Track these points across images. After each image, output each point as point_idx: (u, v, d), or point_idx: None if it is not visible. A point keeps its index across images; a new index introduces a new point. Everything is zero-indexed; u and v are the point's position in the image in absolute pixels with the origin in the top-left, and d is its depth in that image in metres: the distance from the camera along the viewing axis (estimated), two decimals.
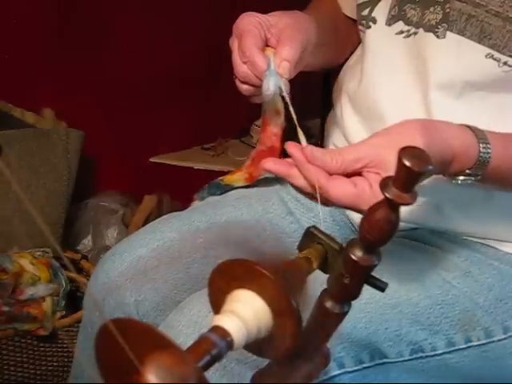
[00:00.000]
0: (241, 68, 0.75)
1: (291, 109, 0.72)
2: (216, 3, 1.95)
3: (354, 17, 0.96)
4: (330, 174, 0.63)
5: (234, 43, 0.77)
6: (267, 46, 0.76)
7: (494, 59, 0.75)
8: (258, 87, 0.74)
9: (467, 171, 0.67)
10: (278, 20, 0.77)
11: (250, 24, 0.75)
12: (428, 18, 0.80)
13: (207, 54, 1.92)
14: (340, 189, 0.62)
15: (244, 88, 0.77)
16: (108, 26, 1.80)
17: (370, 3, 0.87)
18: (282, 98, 0.74)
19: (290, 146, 0.65)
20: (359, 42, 0.97)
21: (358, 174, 0.63)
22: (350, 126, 0.89)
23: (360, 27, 0.90)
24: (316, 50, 0.81)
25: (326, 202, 0.64)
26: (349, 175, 0.63)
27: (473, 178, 0.67)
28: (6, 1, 1.61)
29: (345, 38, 0.97)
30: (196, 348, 0.39)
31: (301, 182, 0.64)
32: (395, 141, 0.62)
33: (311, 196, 0.65)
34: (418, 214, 0.82)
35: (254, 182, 0.90)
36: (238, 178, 0.88)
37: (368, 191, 0.62)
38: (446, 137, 0.64)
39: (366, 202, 0.60)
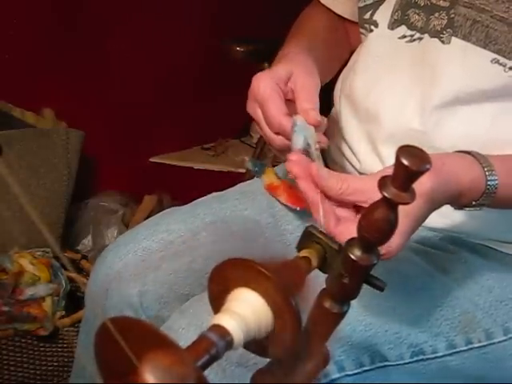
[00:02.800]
0: (277, 142, 0.74)
1: (319, 162, 0.70)
2: (216, 4, 1.95)
3: (348, 16, 0.97)
4: (331, 198, 0.62)
5: (256, 111, 0.76)
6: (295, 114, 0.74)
7: (500, 64, 0.75)
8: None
9: (473, 203, 0.67)
10: (289, 71, 0.76)
11: (267, 88, 0.74)
12: (433, 23, 0.80)
13: (207, 54, 1.92)
14: (347, 235, 0.59)
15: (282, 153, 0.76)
16: (108, 25, 1.80)
17: (371, 6, 0.87)
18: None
19: (300, 181, 0.63)
20: (351, 43, 0.97)
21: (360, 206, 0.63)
22: (349, 128, 0.89)
23: (361, 30, 0.90)
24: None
25: None
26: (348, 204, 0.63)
27: (478, 208, 0.68)
28: (5, 1, 1.61)
29: (335, 48, 0.97)
30: (195, 347, 0.39)
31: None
32: None
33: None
34: None
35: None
36: (278, 192, 0.88)
37: None
38: (453, 174, 0.64)
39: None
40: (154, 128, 1.98)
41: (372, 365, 0.74)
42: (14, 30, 1.65)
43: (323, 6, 0.97)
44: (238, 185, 0.96)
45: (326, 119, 0.74)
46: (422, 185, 0.58)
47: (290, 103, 0.75)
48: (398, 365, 0.75)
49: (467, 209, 0.68)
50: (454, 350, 0.76)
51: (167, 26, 1.90)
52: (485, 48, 0.76)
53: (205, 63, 1.96)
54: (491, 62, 0.75)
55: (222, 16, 1.97)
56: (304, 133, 0.71)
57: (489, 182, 0.66)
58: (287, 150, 0.72)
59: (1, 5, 1.59)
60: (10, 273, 1.38)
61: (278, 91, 0.74)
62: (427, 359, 0.76)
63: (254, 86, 0.75)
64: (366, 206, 0.61)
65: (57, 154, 1.59)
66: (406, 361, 0.75)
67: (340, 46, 0.98)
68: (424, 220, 0.63)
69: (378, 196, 0.59)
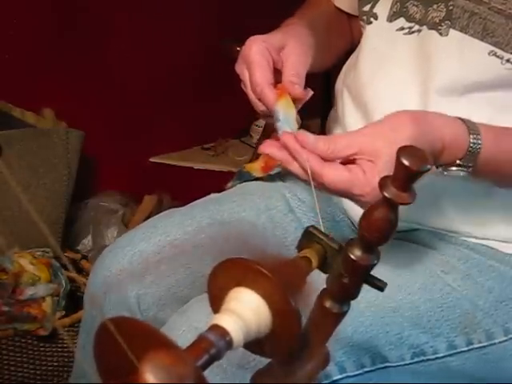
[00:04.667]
0: (259, 106, 0.77)
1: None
2: (216, 4, 1.95)
3: (346, 9, 0.98)
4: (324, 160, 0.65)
5: (243, 72, 0.78)
6: (279, 88, 0.76)
7: (497, 57, 0.75)
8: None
9: (458, 162, 0.68)
10: (284, 42, 0.79)
11: (257, 53, 0.75)
12: (432, 15, 0.80)
13: (207, 54, 1.92)
14: (334, 173, 0.64)
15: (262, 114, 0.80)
16: (108, 25, 1.80)
17: None
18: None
19: (284, 135, 0.67)
20: (353, 36, 0.98)
21: (351, 162, 0.65)
22: (351, 122, 0.89)
23: (361, 23, 0.90)
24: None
25: (321, 187, 0.66)
26: (342, 163, 0.65)
27: (464, 170, 0.69)
28: (5, 1, 1.61)
29: (337, 37, 0.98)
30: (195, 347, 0.39)
31: (295, 167, 0.67)
32: (386, 130, 0.65)
33: (308, 182, 0.67)
34: (418, 214, 0.82)
35: (269, 173, 0.90)
36: (256, 166, 0.88)
37: (361, 177, 0.64)
38: (436, 126, 0.66)
39: (359, 187, 0.64)
40: (154, 128, 1.98)
41: (373, 366, 0.74)
42: (14, 29, 1.65)
43: None
44: (236, 187, 0.96)
45: (311, 91, 0.78)
46: (406, 132, 0.63)
47: (278, 72, 0.77)
48: (398, 366, 0.75)
49: (453, 168, 0.69)
50: (455, 351, 0.76)
51: (167, 26, 1.90)
52: (482, 40, 0.76)
53: (205, 63, 1.96)
54: (488, 54, 0.75)
55: (222, 16, 1.97)
56: (288, 125, 0.73)
57: (472, 140, 0.67)
58: (268, 114, 0.77)
59: (1, 5, 1.59)
60: (9, 273, 1.38)
61: (267, 58, 0.76)
62: (428, 360, 0.76)
63: (246, 47, 0.77)
64: (357, 157, 0.65)
65: (57, 153, 1.58)
66: (407, 362, 0.75)
67: (341, 36, 0.99)
68: None
69: (367, 144, 0.64)
